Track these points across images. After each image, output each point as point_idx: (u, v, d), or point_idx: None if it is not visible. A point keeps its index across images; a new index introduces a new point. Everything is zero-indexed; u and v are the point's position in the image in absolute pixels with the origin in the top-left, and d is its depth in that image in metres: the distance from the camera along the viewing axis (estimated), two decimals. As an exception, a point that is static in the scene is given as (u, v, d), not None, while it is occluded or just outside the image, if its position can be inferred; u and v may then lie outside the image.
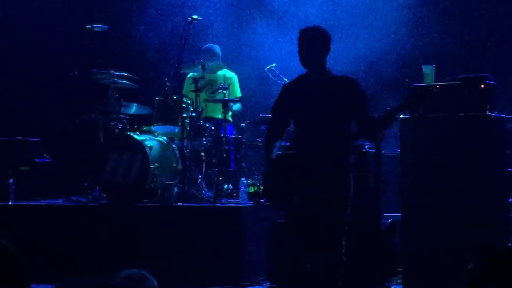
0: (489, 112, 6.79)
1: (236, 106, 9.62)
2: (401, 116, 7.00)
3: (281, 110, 6.02)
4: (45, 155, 9.85)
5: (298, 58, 5.86)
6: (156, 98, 9.00)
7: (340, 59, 9.26)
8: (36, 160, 9.63)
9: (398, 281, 7.00)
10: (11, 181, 8.74)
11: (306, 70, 5.88)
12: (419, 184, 6.92)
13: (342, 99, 5.74)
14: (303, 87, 5.89)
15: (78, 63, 9.40)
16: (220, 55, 9.87)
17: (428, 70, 7.11)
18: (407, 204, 7.00)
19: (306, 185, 5.66)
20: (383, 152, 7.00)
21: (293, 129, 6.03)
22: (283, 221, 6.04)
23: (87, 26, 9.07)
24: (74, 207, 8.40)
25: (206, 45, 9.97)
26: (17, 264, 2.31)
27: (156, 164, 8.44)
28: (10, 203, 8.63)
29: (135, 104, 9.25)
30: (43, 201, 8.83)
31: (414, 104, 5.70)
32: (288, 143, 6.17)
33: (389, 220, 6.98)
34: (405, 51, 9.86)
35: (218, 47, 9.94)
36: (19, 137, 9.66)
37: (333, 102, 5.74)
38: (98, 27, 9.09)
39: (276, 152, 5.94)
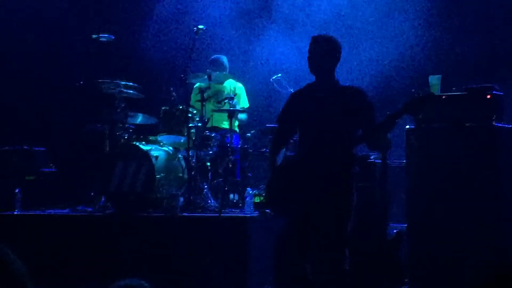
0: (495, 122, 6.78)
1: (242, 116, 9.62)
2: (407, 126, 7.00)
3: (287, 118, 6.04)
4: (51, 164, 9.86)
5: (304, 68, 5.89)
6: (162, 108, 9.00)
7: (348, 68, 9.26)
8: (42, 169, 9.64)
9: (405, 291, 6.99)
10: (17, 190, 8.74)
11: (313, 78, 5.90)
12: (425, 194, 6.91)
13: (349, 110, 5.75)
14: (310, 96, 5.91)
15: (84, 73, 9.42)
16: (227, 66, 9.88)
17: (434, 80, 7.11)
18: (413, 214, 6.99)
19: (309, 194, 5.66)
20: (389, 162, 6.99)
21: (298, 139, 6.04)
22: (285, 229, 6.03)
23: (93, 36, 9.09)
24: (80, 217, 8.39)
25: (213, 56, 9.98)
26: (13, 272, 2.29)
27: (162, 174, 8.44)
28: (16, 212, 8.62)
29: (141, 114, 9.25)
30: (49, 210, 8.82)
31: (413, 108, 5.70)
32: (293, 154, 6.17)
33: (395, 230, 6.96)
34: (414, 61, 9.84)
35: (226, 58, 9.95)
36: (25, 147, 9.67)
37: (339, 112, 5.75)
38: (104, 37, 9.10)
39: (281, 160, 5.95)
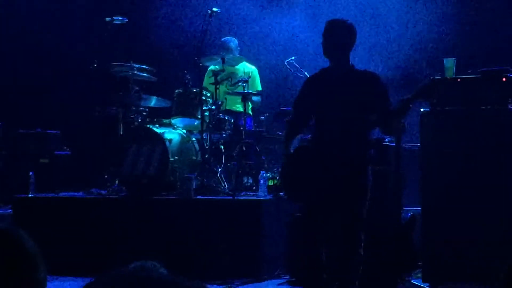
0: (510, 106, 6.73)
1: (256, 98, 9.58)
2: (422, 110, 6.96)
3: (303, 104, 6.01)
4: (64, 147, 9.89)
5: (318, 51, 5.86)
6: (176, 91, 9.00)
7: (362, 51, 9.20)
8: (56, 152, 9.67)
9: (418, 275, 6.96)
10: (31, 173, 8.76)
11: (327, 62, 5.88)
12: (439, 178, 6.87)
13: (364, 94, 5.73)
14: (325, 81, 5.89)
15: (98, 56, 9.41)
16: (236, 48, 9.79)
17: (449, 63, 7.06)
18: (427, 198, 6.95)
19: (325, 179, 5.64)
20: (403, 145, 6.96)
21: (314, 124, 6.01)
22: (300, 214, 6.03)
23: (107, 18, 9.08)
24: (93, 200, 8.41)
25: (223, 39, 9.93)
26: (27, 252, 2.29)
27: (175, 157, 8.43)
28: (30, 195, 8.65)
29: (154, 97, 9.23)
30: (62, 193, 8.83)
31: (427, 92, 5.68)
32: (309, 136, 6.14)
33: (410, 214, 6.94)
34: (428, 44, 9.77)
35: (235, 41, 9.86)
36: (39, 130, 9.70)
37: (354, 97, 5.73)
38: (118, 19, 9.09)
39: (296, 145, 5.93)
